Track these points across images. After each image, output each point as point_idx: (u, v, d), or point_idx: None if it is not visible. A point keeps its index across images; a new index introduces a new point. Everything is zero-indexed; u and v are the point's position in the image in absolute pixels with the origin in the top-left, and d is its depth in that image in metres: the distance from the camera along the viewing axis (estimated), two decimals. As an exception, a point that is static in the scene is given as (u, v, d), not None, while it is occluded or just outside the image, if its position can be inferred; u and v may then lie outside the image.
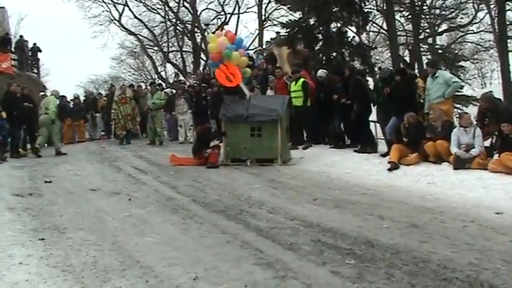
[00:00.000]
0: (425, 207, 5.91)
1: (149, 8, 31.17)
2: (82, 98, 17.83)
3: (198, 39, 30.55)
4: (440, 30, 24.55)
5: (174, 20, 31.57)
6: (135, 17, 31.22)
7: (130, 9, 31.09)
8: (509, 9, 18.84)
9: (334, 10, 15.17)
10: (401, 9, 21.53)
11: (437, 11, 23.38)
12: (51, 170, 9.94)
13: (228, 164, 9.74)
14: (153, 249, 4.62)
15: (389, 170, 8.13)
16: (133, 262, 4.26)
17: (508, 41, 18.04)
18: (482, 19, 23.38)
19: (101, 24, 31.50)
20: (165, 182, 8.28)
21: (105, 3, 30.88)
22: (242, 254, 4.39)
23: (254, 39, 29.71)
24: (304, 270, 3.96)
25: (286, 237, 4.81)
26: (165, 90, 16.65)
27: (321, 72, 11.19)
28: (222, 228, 5.29)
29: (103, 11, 31.18)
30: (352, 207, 6.01)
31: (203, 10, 30.86)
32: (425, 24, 22.89)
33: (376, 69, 14.42)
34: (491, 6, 20.27)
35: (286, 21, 16.92)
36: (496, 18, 18.79)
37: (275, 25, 26.33)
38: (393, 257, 4.16)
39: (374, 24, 23.53)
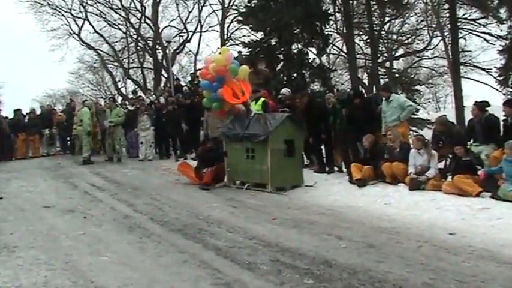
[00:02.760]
0: (382, 227, 6.00)
1: (110, 23, 30.79)
2: (38, 112, 17.26)
3: (160, 56, 30.39)
4: (397, 54, 25.38)
5: (135, 36, 31.29)
6: (96, 32, 30.72)
7: (90, 24, 30.56)
8: (461, 37, 19.71)
9: (295, 31, 15.52)
10: (361, 33, 22.19)
11: (395, 36, 24.18)
12: (2, 186, 9.61)
13: (231, 186, 9.19)
14: (108, 268, 4.50)
15: (359, 186, 8.27)
16: (87, 282, 4.13)
17: (461, 67, 18.86)
18: (436, 45, 24.22)
19: (59, 38, 30.84)
20: (123, 200, 8.12)
21: (64, 16, 30.33)
22: (200, 273, 4.33)
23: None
24: (263, 290, 3.93)
25: (244, 257, 4.79)
26: (126, 106, 16.30)
27: (285, 91, 11.29)
28: (179, 247, 5.21)
29: (62, 25, 30.57)
30: (310, 227, 6.04)
31: (165, 27, 30.66)
32: (384, 49, 23.61)
33: (334, 91, 14.71)
34: (445, 33, 21.08)
35: (248, 41, 17.23)
36: (450, 45, 19.59)
37: (237, 44, 26.49)
38: (350, 277, 4.20)
39: (334, 47, 24.11)
